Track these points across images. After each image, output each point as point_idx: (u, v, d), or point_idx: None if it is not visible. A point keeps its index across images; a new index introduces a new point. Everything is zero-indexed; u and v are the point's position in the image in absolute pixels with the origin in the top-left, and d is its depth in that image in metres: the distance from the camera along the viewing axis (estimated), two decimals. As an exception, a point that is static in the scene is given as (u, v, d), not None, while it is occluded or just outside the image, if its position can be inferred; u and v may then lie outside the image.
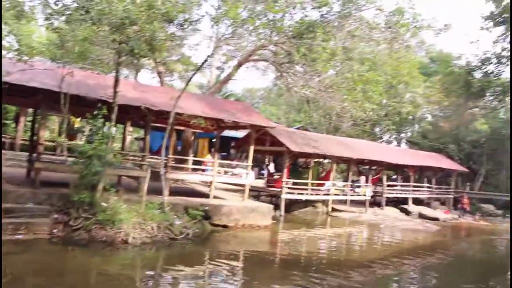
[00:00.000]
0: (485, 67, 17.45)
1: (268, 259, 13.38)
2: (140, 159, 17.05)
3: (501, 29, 16.71)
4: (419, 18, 21.05)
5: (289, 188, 22.79)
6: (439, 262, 15.59)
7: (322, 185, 25.59)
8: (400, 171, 34.34)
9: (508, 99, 19.14)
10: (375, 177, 30.75)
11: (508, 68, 17.13)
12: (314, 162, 28.31)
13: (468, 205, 31.81)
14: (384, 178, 30.27)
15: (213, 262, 11.95)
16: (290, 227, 19.56)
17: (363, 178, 29.34)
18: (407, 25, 20.68)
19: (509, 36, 10.02)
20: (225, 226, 16.39)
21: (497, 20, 16.45)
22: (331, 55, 18.60)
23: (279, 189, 22.51)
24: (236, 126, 19.77)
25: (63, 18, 12.76)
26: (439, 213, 30.79)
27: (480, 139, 39.98)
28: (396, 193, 31.08)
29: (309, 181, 24.25)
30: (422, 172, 34.91)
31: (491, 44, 17.25)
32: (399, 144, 47.65)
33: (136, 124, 24.49)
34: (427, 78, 37.20)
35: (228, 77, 23.97)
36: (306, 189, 23.71)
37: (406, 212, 29.45)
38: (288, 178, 23.16)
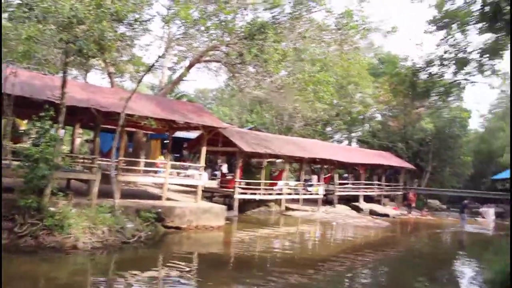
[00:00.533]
0: (429, 69, 18.03)
1: (222, 259, 13.39)
2: (90, 161, 16.65)
3: (443, 33, 17.42)
4: (367, 21, 21.64)
5: (242, 188, 22.89)
6: (390, 257, 16.25)
7: (275, 184, 25.84)
8: (351, 169, 35.12)
9: (450, 99, 20.05)
10: (327, 176, 31.43)
11: (451, 69, 17.86)
12: (267, 162, 28.51)
13: (414, 201, 32.95)
14: (336, 176, 30.86)
15: (167, 265, 11.87)
16: (244, 227, 19.65)
17: (315, 177, 29.81)
18: (356, 27, 21.24)
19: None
20: (178, 228, 16.28)
21: (439, 24, 17.14)
22: (282, 56, 18.85)
23: (232, 190, 22.56)
24: (188, 127, 19.65)
25: (6, 15, 12.26)
26: (389, 209, 31.78)
27: (426, 137, 41.85)
28: (348, 191, 31.77)
29: (262, 181, 24.41)
30: (372, 170, 36.11)
31: (434, 47, 17.80)
32: (350, 143, 48.86)
33: (85, 126, 23.87)
34: (376, 79, 38.42)
35: (180, 78, 23.76)
36: (259, 189, 23.89)
37: (358, 210, 30.20)
38: (241, 179, 23.26)
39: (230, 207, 21.73)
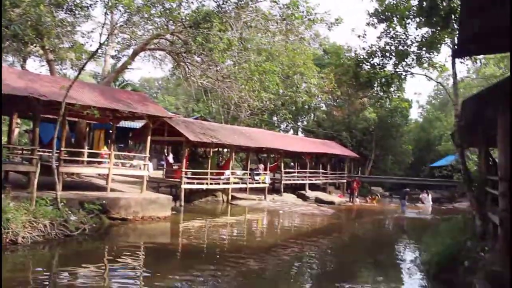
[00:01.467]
0: (372, 60, 18.71)
1: (170, 250, 13.35)
2: (29, 152, 16.10)
3: (384, 25, 18.09)
4: (313, 12, 21.98)
5: (188, 178, 22.86)
6: (336, 243, 16.78)
7: (221, 174, 25.93)
8: (297, 158, 35.79)
9: (392, 89, 20.73)
10: (273, 164, 31.87)
11: (392, 61, 18.60)
12: (213, 151, 28.54)
13: (357, 189, 34.02)
14: (282, 165, 31.23)
15: (113, 257, 11.73)
16: (191, 217, 19.64)
17: (262, 166, 30.14)
18: (301, 18, 21.51)
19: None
20: (124, 219, 16.11)
21: (380, 17, 17.79)
22: (228, 45, 18.86)
23: (178, 180, 22.47)
24: (133, 116, 19.37)
25: None
26: (334, 197, 32.83)
27: (370, 126, 43.47)
28: (294, 180, 32.37)
29: (209, 170, 24.44)
30: (317, 159, 36.81)
31: (376, 39, 18.48)
32: (296, 132, 49.88)
33: (24, 116, 22.97)
34: (321, 69, 39.18)
35: (124, 67, 23.24)
36: (206, 179, 23.92)
37: (304, 198, 30.86)
38: (188, 168, 23.20)
39: (176, 197, 21.73)
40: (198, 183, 23.54)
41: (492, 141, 10.72)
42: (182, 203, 21.97)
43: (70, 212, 13.66)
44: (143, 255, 12.62)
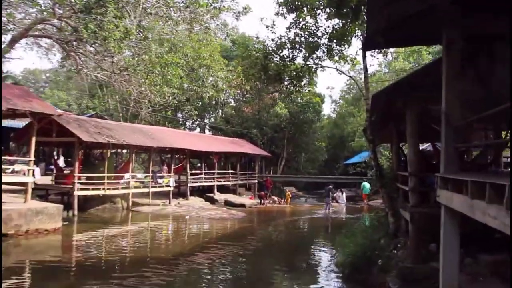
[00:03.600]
0: (281, 52, 18.88)
1: (61, 267, 12.45)
2: None
3: (294, 15, 18.32)
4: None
5: (82, 183, 22.00)
6: (248, 248, 16.61)
7: (120, 178, 25.02)
8: (204, 158, 35.54)
9: (302, 83, 21.10)
10: (178, 166, 31.30)
11: (302, 53, 18.92)
12: (111, 153, 27.45)
13: (269, 189, 34.29)
14: (188, 166, 30.93)
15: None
16: (86, 228, 18.73)
17: (165, 168, 29.63)
18: (206, 5, 21.18)
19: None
20: (4, 235, 14.78)
21: (290, 7, 17.97)
22: (125, 34, 18.10)
23: (70, 186, 21.40)
24: (13, 114, 17.96)
25: None
26: (245, 199, 33.00)
27: (281, 123, 44.03)
28: (201, 182, 32.14)
29: (106, 174, 23.34)
30: (226, 159, 36.94)
31: (285, 30, 18.61)
32: (202, 130, 49.47)
33: None
34: (229, 62, 39.20)
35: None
36: (103, 184, 22.93)
37: (212, 201, 30.75)
38: (81, 172, 22.21)
39: (69, 206, 20.69)
40: (93, 189, 22.57)
41: (403, 136, 11.25)
42: (76, 212, 21.00)
43: None
44: (28, 275, 11.60)
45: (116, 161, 29.40)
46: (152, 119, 39.27)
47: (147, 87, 23.43)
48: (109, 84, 26.97)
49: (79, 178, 21.67)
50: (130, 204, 25.13)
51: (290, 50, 18.80)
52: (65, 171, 24.42)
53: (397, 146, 14.42)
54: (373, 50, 18.53)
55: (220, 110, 48.04)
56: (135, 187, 25.55)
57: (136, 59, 21.29)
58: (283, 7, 18.27)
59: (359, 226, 15.48)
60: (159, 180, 27.59)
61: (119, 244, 16.71)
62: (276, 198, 33.89)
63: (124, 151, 31.58)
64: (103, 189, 22.95)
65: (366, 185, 34.03)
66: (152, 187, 26.65)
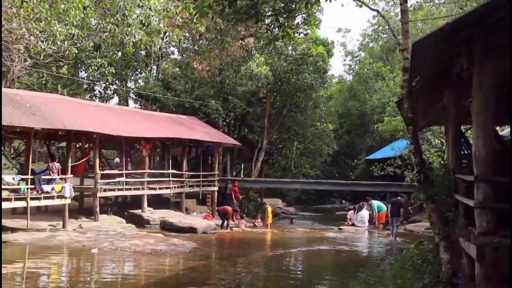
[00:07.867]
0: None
1: None
2: None
3: None
4: None
5: None
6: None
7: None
8: (127, 149, 28.75)
9: (296, 21, 16.13)
10: (80, 162, 24.67)
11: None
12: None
13: (237, 201, 28.31)
14: (97, 163, 24.49)
15: None
16: None
17: (56, 166, 22.59)
18: None
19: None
20: None
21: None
22: None
23: None
24: None
25: None
26: (197, 219, 26.55)
27: (260, 91, 35.36)
28: (121, 189, 25.60)
29: None
30: (165, 150, 33.01)
31: None
32: (124, 101, 41.01)
33: None
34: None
35: None
36: None
37: (140, 222, 24.84)
38: None
39: None
40: None
41: (467, 114, 8.38)
42: None
43: None
44: None
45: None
46: (34, 79, 31.17)
47: (22, 23, 18.35)
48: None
49: None
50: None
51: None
52: None
53: (455, 131, 10.89)
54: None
55: (155, 67, 38.43)
56: (2, 199, 20.71)
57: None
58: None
59: (391, 266, 13.31)
60: (46, 187, 21.22)
61: None
62: (244, 222, 26.77)
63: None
64: None
65: (376, 203, 26.74)
66: (32, 198, 20.33)
